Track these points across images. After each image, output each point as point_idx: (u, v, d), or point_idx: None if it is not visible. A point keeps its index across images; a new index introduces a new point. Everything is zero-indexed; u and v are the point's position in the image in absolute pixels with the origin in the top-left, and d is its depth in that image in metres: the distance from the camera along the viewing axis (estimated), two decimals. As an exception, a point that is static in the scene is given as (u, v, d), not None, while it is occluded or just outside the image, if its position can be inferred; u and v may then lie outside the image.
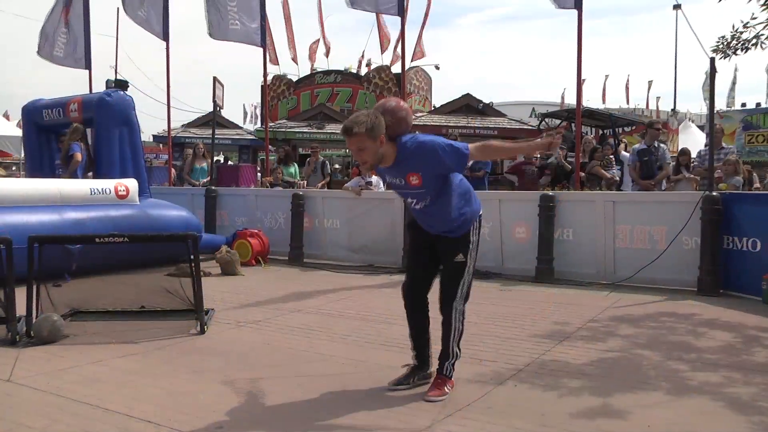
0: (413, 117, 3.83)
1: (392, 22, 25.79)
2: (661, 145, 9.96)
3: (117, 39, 23.42)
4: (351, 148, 3.63)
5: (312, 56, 27.17)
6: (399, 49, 24.65)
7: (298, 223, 9.55)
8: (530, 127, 20.64)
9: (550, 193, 8.14)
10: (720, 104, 26.46)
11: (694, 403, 3.55)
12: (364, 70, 27.09)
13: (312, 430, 3.19)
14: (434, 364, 3.82)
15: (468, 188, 3.82)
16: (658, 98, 33.78)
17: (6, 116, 24.72)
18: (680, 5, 26.38)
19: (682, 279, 7.05)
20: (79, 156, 8.75)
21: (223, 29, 11.79)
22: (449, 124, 19.60)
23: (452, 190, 3.67)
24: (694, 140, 18.80)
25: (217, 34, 11.79)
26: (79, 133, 8.94)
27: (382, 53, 25.84)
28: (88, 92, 11.68)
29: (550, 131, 3.69)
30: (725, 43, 6.50)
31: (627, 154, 11.28)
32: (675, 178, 9.65)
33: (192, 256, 5.22)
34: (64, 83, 42.10)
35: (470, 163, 4.54)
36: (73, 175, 8.72)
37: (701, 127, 23.80)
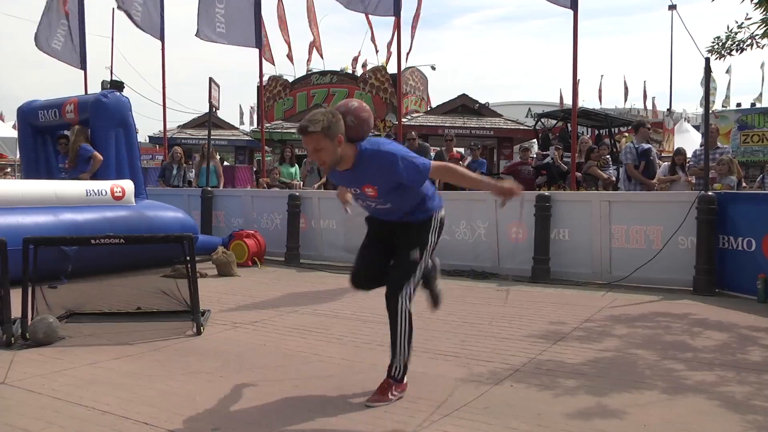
0: (374, 118, 3.69)
1: (385, 23, 25.72)
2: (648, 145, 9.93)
3: (112, 39, 23.36)
4: (307, 148, 3.47)
5: (309, 53, 27.15)
6: (393, 49, 24.83)
7: (294, 223, 9.55)
8: (526, 128, 20.69)
9: (546, 193, 8.16)
10: (717, 104, 26.55)
11: (690, 403, 3.56)
12: (359, 71, 27.08)
13: (308, 430, 3.19)
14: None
15: (428, 187, 3.68)
16: (653, 98, 33.81)
17: (1, 117, 24.67)
18: (675, 6, 26.49)
19: (678, 279, 7.08)
20: (100, 156, 8.72)
21: (209, 31, 11.82)
22: (445, 125, 19.63)
23: (411, 193, 3.57)
24: (690, 140, 18.82)
25: (203, 35, 11.81)
26: (85, 134, 8.92)
27: (376, 53, 25.87)
28: (83, 93, 11.66)
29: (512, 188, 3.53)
30: (720, 44, 6.53)
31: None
32: (670, 178, 9.65)
33: (188, 257, 5.22)
34: (60, 84, 42.04)
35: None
36: (94, 176, 8.71)
37: (697, 127, 23.85)
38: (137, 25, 12.83)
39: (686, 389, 3.78)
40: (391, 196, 3.55)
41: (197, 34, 11.80)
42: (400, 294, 3.52)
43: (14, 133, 13.80)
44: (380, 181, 3.47)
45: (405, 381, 3.64)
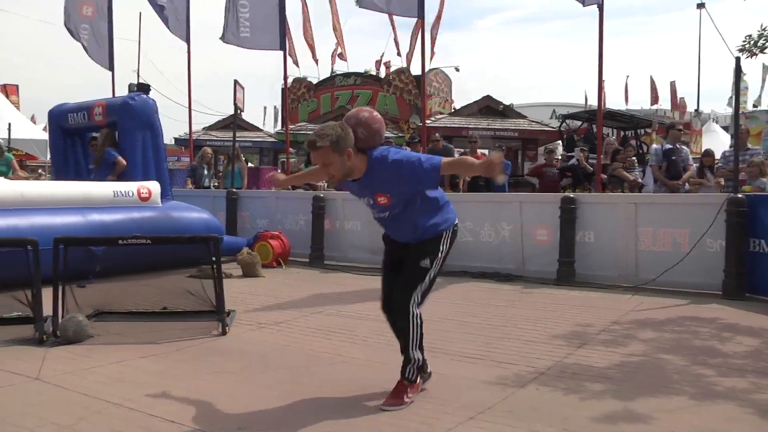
0: (387, 128, 3.60)
1: (407, 26, 25.63)
2: (683, 147, 9.87)
3: (139, 43, 23.69)
4: (316, 163, 3.48)
5: (333, 59, 27.24)
6: (417, 50, 24.79)
7: (318, 225, 9.58)
8: (551, 129, 20.54)
9: (572, 195, 8.10)
10: (749, 104, 26.11)
11: (720, 409, 3.50)
12: (383, 73, 27.12)
13: (333, 429, 3.20)
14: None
15: (442, 197, 3.66)
16: (681, 99, 33.31)
17: (33, 120, 25.05)
18: (704, 4, 26.12)
19: (706, 282, 6.96)
20: (123, 161, 8.84)
21: (234, 35, 11.88)
22: (470, 126, 19.56)
23: (424, 203, 3.54)
24: (718, 141, 18.55)
25: (228, 39, 11.87)
26: (111, 138, 9.03)
27: (398, 55, 25.85)
28: (111, 96, 11.80)
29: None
30: (752, 42, 6.43)
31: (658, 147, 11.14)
32: (698, 181, 9.54)
33: (213, 258, 5.26)
34: (88, 87, 42.61)
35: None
36: (119, 178, 8.82)
37: (725, 128, 23.51)
38: (170, 29, 12.97)
39: (716, 395, 3.72)
40: (404, 204, 3.51)
41: (222, 38, 11.86)
42: (410, 301, 3.48)
43: (45, 136, 13.98)
44: (391, 189, 3.45)
45: (418, 382, 3.63)
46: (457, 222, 3.71)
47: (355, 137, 3.38)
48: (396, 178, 3.40)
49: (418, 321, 3.51)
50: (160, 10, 12.90)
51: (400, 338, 3.59)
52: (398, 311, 3.53)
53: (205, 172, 12.79)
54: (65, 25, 13.55)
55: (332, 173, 3.40)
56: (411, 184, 3.43)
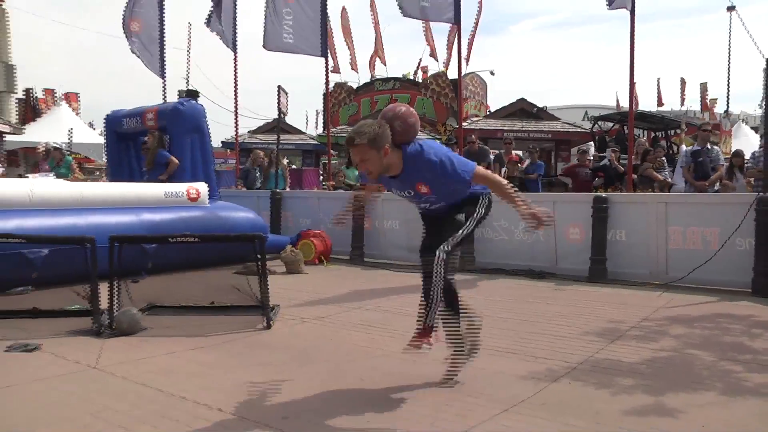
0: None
1: (442, 32, 25.45)
2: (714, 147, 9.69)
3: (189, 51, 24.05)
4: (354, 159, 3.49)
5: (371, 66, 27.27)
6: (447, 54, 24.69)
7: (358, 224, 9.60)
8: (583, 130, 20.29)
9: (603, 194, 8.00)
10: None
11: (750, 405, 3.42)
12: (420, 77, 27.06)
13: (372, 422, 3.21)
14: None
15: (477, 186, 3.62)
16: (712, 100, 32.61)
17: (91, 125, 25.64)
18: (734, 7, 25.46)
19: (736, 280, 6.80)
20: (176, 160, 8.98)
21: (277, 41, 11.91)
22: (504, 128, 19.43)
23: (461, 187, 3.52)
24: (747, 142, 18.13)
25: (270, 45, 11.92)
26: (164, 140, 9.19)
27: (435, 60, 25.79)
28: (162, 102, 12.01)
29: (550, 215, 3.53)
30: None
31: (685, 148, 11.02)
32: (725, 183, 9.35)
33: (258, 256, 5.31)
34: (141, 94, 43.45)
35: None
36: (171, 179, 8.98)
37: (755, 129, 22.94)
38: (225, 43, 13.17)
39: (746, 391, 3.63)
40: (443, 192, 3.53)
41: (264, 46, 11.92)
42: (440, 247, 3.45)
43: (102, 140, 14.30)
44: (431, 180, 3.45)
45: (440, 333, 3.59)
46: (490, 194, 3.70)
47: (392, 131, 3.41)
48: (432, 175, 3.42)
49: (443, 263, 3.45)
50: (220, 31, 13.09)
51: (426, 283, 3.53)
52: (425, 256, 3.50)
53: (258, 174, 12.89)
54: (126, 38, 13.84)
55: (370, 169, 3.42)
56: (445, 183, 3.45)
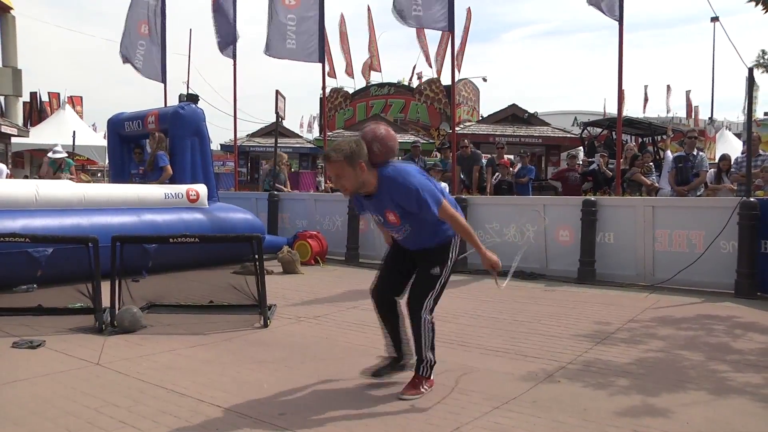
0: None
1: (431, 38, 25.37)
2: (700, 153, 9.74)
3: (189, 57, 24.00)
4: (330, 175, 3.47)
5: (365, 72, 27.28)
6: (439, 61, 24.70)
7: (354, 225, 9.60)
8: (573, 136, 20.32)
9: (592, 198, 8.01)
10: (759, 113, 25.56)
11: (735, 403, 3.43)
12: (415, 83, 27.10)
13: (367, 418, 3.20)
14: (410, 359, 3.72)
15: (454, 205, 3.57)
16: (696, 107, 32.80)
17: (94, 128, 25.58)
18: (718, 17, 25.58)
19: (720, 282, 6.84)
20: (170, 169, 8.96)
21: (280, 47, 11.82)
22: (496, 133, 19.43)
23: (433, 219, 3.46)
24: (731, 147, 18.28)
25: (273, 52, 11.85)
26: (164, 141, 9.14)
27: (429, 66, 25.82)
28: (163, 105, 11.97)
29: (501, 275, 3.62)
30: (766, 57, 6.32)
31: (670, 155, 11.07)
32: (715, 187, 9.39)
33: (256, 256, 5.30)
34: (143, 98, 43.42)
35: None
36: (171, 181, 8.94)
37: (737, 135, 23.09)
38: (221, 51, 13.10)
39: (731, 390, 3.65)
40: (412, 220, 3.46)
41: (266, 51, 11.85)
42: (422, 309, 3.46)
43: (104, 142, 14.26)
44: (399, 207, 3.39)
45: (432, 377, 3.58)
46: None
47: (370, 151, 3.37)
48: (402, 201, 3.37)
49: (429, 326, 3.48)
50: (228, 38, 13.02)
51: (413, 336, 3.55)
52: (411, 317, 3.52)
53: (282, 175, 12.98)
54: (120, 53, 13.72)
55: (345, 185, 3.38)
56: (415, 210, 3.38)
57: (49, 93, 28.40)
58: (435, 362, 3.59)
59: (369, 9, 26.06)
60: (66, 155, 12.23)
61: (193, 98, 9.83)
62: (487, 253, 3.52)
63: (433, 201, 3.36)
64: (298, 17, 11.77)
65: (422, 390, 3.51)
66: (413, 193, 3.32)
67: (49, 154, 12.07)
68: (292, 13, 11.75)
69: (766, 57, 6.31)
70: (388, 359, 3.85)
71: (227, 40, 13.00)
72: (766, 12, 6.00)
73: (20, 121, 22.78)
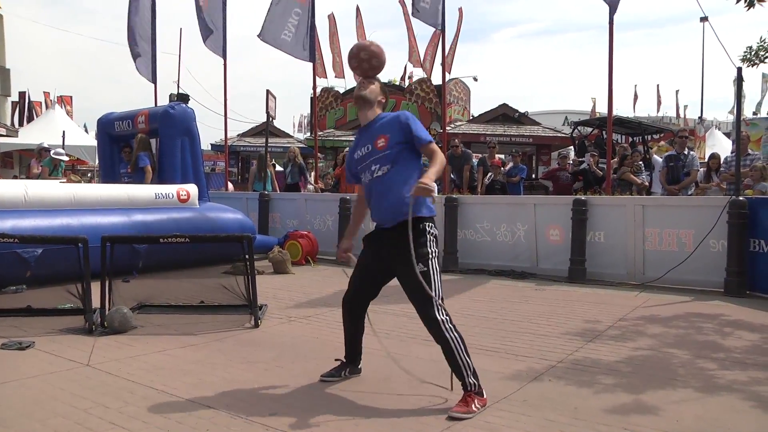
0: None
1: (422, 37, 25.39)
2: (691, 152, 9.79)
3: (179, 56, 23.89)
4: (356, 106, 3.76)
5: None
6: (429, 61, 24.70)
7: (345, 225, 9.59)
8: (563, 135, 20.39)
9: (583, 197, 8.04)
10: (747, 112, 25.73)
11: (723, 401, 3.46)
12: (406, 82, 27.08)
13: (357, 418, 3.21)
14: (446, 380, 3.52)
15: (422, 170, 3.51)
16: (685, 106, 33.00)
17: (84, 128, 25.44)
18: (707, 17, 25.71)
19: (709, 280, 6.89)
20: (150, 170, 8.97)
21: (275, 36, 11.63)
22: (487, 133, 19.47)
23: (411, 163, 3.50)
24: (720, 146, 18.38)
25: (266, 37, 11.64)
26: (145, 143, 9.14)
27: (415, 67, 25.83)
28: (153, 105, 11.92)
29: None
30: (752, 53, 6.37)
31: (659, 159, 11.14)
32: (705, 186, 9.46)
33: (247, 256, 5.29)
34: (133, 98, 43.26)
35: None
36: (161, 181, 8.95)
37: (727, 134, 23.22)
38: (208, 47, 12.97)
39: (719, 388, 3.67)
40: (396, 154, 3.46)
41: (260, 35, 11.63)
42: (435, 312, 3.29)
43: (94, 142, 14.18)
44: (391, 132, 3.51)
45: (485, 396, 3.33)
46: (435, 228, 3.54)
47: (360, 63, 3.69)
48: (396, 124, 3.53)
49: (452, 326, 3.31)
50: (207, 32, 12.87)
51: (441, 347, 3.34)
52: (435, 337, 3.33)
53: (297, 169, 13.05)
54: (129, 44, 13.66)
55: (368, 114, 3.62)
56: (406, 132, 3.50)
57: (42, 92, 28.38)
58: (474, 370, 3.33)
59: (358, 9, 25.83)
60: (68, 159, 12.23)
61: (183, 98, 9.81)
62: (428, 180, 3.22)
63: (423, 132, 3.55)
64: (302, 14, 11.67)
65: (474, 408, 3.22)
66: (409, 116, 3.56)
67: (51, 153, 12.01)
68: (299, 8, 11.64)
69: (752, 52, 6.35)
70: (342, 362, 3.90)
71: (206, 33, 12.88)
72: (748, 9, 6.07)
73: (8, 121, 22.64)
